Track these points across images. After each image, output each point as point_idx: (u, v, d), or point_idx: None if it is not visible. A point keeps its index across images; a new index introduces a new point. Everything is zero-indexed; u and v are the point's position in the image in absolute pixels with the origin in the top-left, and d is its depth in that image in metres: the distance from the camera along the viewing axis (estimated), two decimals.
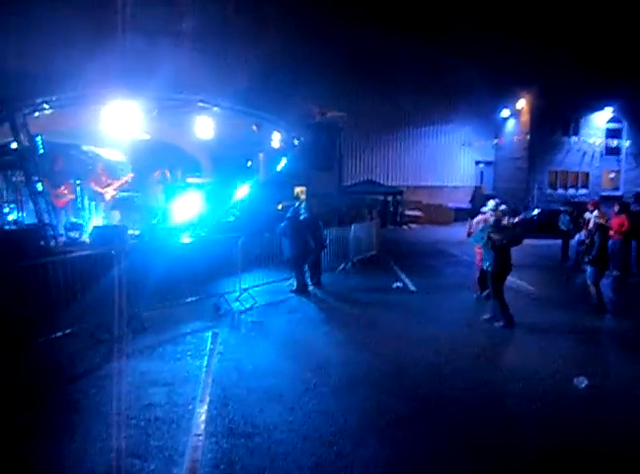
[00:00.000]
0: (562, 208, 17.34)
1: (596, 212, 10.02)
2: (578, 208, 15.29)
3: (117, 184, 15.15)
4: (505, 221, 8.90)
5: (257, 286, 10.92)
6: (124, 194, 15.40)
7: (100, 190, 14.75)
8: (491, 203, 9.05)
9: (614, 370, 6.98)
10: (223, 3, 20.37)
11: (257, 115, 14.84)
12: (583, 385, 6.20)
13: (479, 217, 10.43)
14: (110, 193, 14.95)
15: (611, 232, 12.60)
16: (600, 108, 32.52)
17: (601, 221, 9.77)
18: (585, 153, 33.17)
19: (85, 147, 15.16)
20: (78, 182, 14.67)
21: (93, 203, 14.80)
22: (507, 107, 34.07)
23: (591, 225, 9.75)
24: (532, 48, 28.81)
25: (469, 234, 9.52)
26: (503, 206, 9.37)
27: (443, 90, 32.14)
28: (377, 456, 4.69)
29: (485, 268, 8.85)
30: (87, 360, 6.90)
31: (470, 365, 6.92)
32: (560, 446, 4.92)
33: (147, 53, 13.01)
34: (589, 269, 9.73)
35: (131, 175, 15.62)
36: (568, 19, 28.95)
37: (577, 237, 10.01)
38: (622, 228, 12.95)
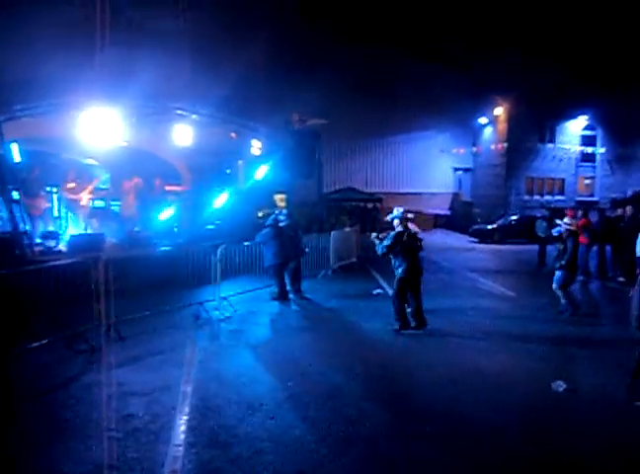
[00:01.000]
0: (539, 214, 17.62)
1: (566, 219, 10.17)
2: (555, 214, 15.55)
3: (89, 187, 14.98)
4: (411, 228, 9.09)
5: (237, 295, 10.86)
6: (101, 202, 15.26)
7: (74, 196, 14.58)
8: (396, 211, 9.16)
9: (589, 374, 7.05)
10: (202, 10, 20.33)
11: (236, 122, 14.84)
12: (561, 389, 6.26)
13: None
14: (84, 198, 14.78)
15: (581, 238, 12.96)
16: (576, 115, 33.09)
17: (572, 227, 9.91)
18: (561, 160, 33.67)
19: (65, 155, 14.98)
20: (54, 190, 14.50)
21: (69, 213, 14.63)
22: (484, 114, 34.46)
23: (562, 230, 9.90)
24: (510, 57, 29.19)
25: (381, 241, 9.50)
26: (409, 214, 9.54)
27: (422, 97, 32.33)
28: (360, 464, 4.68)
29: (397, 274, 8.94)
30: (65, 371, 6.79)
31: (452, 372, 6.94)
32: (539, 452, 4.95)
33: (125, 61, 12.91)
34: (557, 273, 9.87)
35: (100, 178, 15.47)
36: (545, 28, 29.40)
37: (554, 231, 10.18)
38: (584, 230, 13.35)
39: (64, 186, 14.68)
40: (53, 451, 4.81)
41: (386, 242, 8.77)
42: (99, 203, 15.14)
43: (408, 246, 8.78)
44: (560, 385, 6.32)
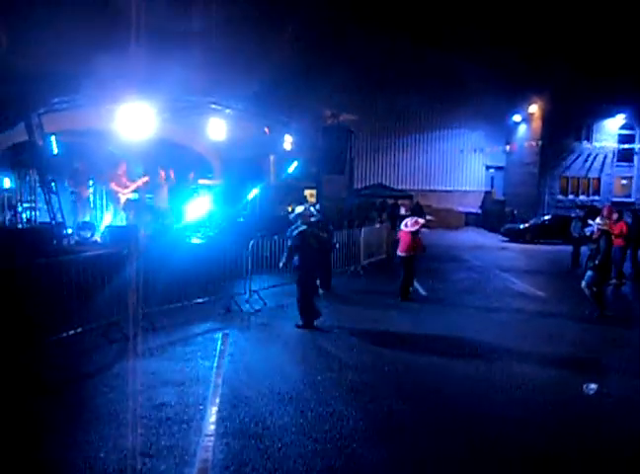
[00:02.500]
0: (573, 214, 17.31)
1: (598, 219, 9.94)
2: (590, 214, 15.25)
3: (134, 185, 15.22)
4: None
5: (267, 288, 10.94)
6: (135, 194, 15.50)
7: (120, 190, 14.81)
8: (299, 208, 9.16)
9: (619, 377, 6.91)
10: (237, 5, 20.44)
11: (269, 117, 14.91)
12: (592, 392, 6.16)
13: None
14: (126, 194, 15.03)
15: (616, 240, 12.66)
16: (613, 114, 32.31)
17: (605, 227, 9.69)
18: (596, 159, 32.96)
19: (111, 147, 15.25)
20: (91, 182, 14.78)
21: (111, 205, 14.89)
22: (518, 112, 33.97)
23: (594, 230, 9.70)
24: (545, 53, 28.72)
25: None
26: (312, 209, 9.75)
27: (455, 94, 32.05)
28: (388, 460, 4.69)
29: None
30: (99, 359, 6.95)
31: (481, 372, 6.89)
32: (567, 455, 4.90)
33: (161, 55, 13.06)
34: (589, 273, 9.70)
35: (147, 178, 15.66)
36: (581, 24, 28.83)
37: (587, 230, 9.97)
38: (622, 234, 13.02)
39: (111, 178, 14.93)
40: (87, 438, 4.92)
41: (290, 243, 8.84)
42: (133, 196, 15.37)
43: (308, 245, 8.73)
44: (592, 388, 6.21)
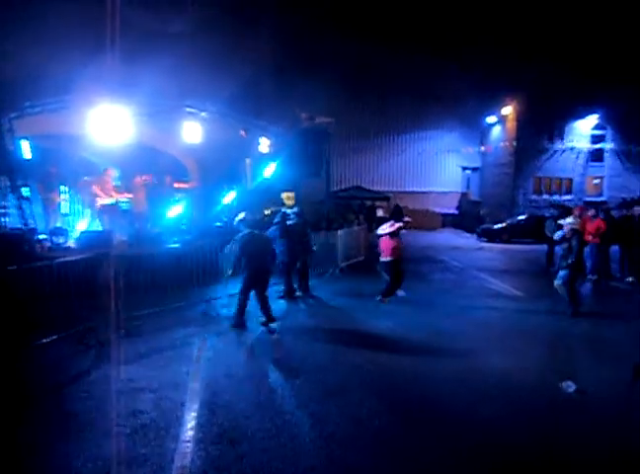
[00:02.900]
0: (547, 214, 17.54)
1: (569, 219, 10.09)
2: (565, 214, 15.47)
3: (117, 196, 14.95)
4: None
5: None
6: (111, 199, 15.31)
7: (103, 195, 14.56)
8: (241, 215, 9.39)
9: (597, 374, 7.01)
10: (212, 8, 20.38)
11: (244, 120, 14.87)
12: (571, 390, 6.23)
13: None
14: (106, 200, 14.78)
15: (589, 237, 12.85)
16: (585, 115, 32.84)
17: (576, 226, 9.84)
18: (569, 159, 33.47)
19: (76, 152, 15.04)
20: (64, 187, 14.58)
21: (87, 210, 14.67)
22: (493, 113, 34.34)
23: (565, 231, 9.83)
24: (518, 56, 29.08)
25: None
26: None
27: (430, 96, 32.34)
28: (368, 461, 4.69)
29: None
30: (75, 366, 6.84)
31: (460, 372, 6.94)
32: (551, 453, 4.95)
33: (135, 59, 12.96)
34: (561, 272, 9.83)
35: (131, 195, 15.41)
36: (553, 27, 29.27)
37: (556, 235, 10.08)
38: (599, 232, 13.26)
39: (77, 183, 14.71)
40: (63, 446, 4.84)
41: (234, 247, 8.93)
42: (108, 201, 15.17)
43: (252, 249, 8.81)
44: (570, 386, 6.28)
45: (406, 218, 11.67)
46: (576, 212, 12.37)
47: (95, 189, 14.57)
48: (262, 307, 8.97)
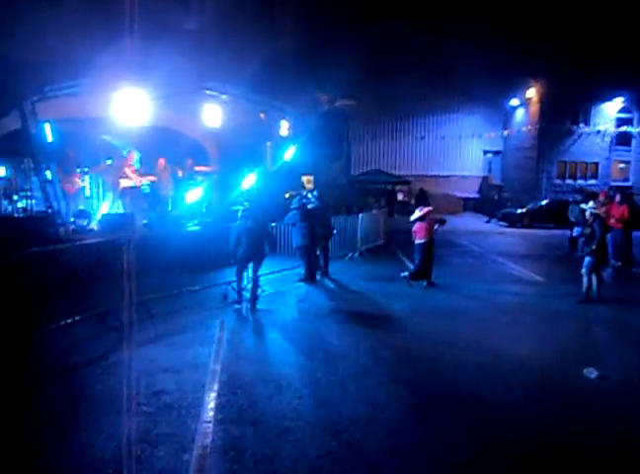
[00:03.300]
0: (571, 199, 17.28)
1: (591, 203, 9.89)
2: (588, 199, 15.22)
3: (139, 179, 15.04)
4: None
5: (264, 275, 10.92)
6: (132, 182, 15.41)
7: (124, 177, 14.63)
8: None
9: (619, 361, 6.93)
10: None
11: (265, 102, 14.82)
12: (593, 376, 6.17)
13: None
14: (127, 182, 14.85)
15: (613, 222, 12.61)
16: (611, 97, 32.13)
17: (598, 211, 9.66)
18: (594, 143, 32.84)
19: (97, 135, 15.11)
20: (85, 169, 14.69)
21: (108, 193, 14.78)
22: (516, 96, 33.76)
23: (587, 216, 9.67)
24: (543, 37, 28.49)
25: None
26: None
27: (452, 78, 31.84)
28: (385, 445, 4.70)
29: None
30: (97, 347, 6.94)
31: (475, 354, 6.89)
32: (570, 440, 4.91)
33: (155, 40, 12.95)
34: (587, 259, 9.68)
35: (154, 177, 15.48)
36: (580, 7, 28.57)
37: (575, 231, 9.84)
38: (623, 218, 12.99)
39: (99, 166, 14.80)
40: (85, 425, 4.93)
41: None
42: (130, 183, 15.26)
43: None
44: (592, 372, 6.22)
45: (441, 218, 11.73)
46: (601, 197, 12.16)
47: (117, 172, 14.64)
48: (253, 287, 9.25)
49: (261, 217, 9.87)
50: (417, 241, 11.04)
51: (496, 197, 30.63)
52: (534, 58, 29.35)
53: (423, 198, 20.89)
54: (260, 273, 10.18)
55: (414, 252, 11.16)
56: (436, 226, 11.19)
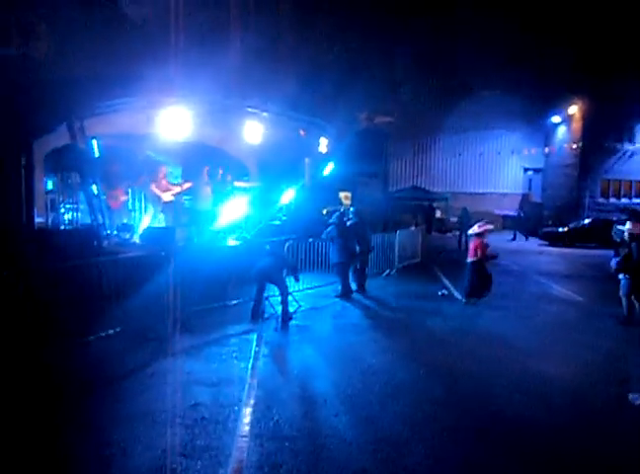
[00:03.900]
0: (614, 218, 16.88)
1: (628, 224, 9.69)
2: (632, 217, 14.83)
3: (175, 189, 15.33)
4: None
5: (301, 291, 10.98)
6: (172, 197, 15.68)
7: (159, 193, 14.96)
8: None
9: None
10: (272, 9, 20.61)
11: (305, 120, 14.96)
12: (639, 402, 5.99)
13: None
14: (167, 197, 15.15)
15: None
16: None
17: (635, 231, 9.43)
18: (639, 161, 32.00)
19: (148, 152, 15.45)
20: (130, 183, 15.04)
21: (150, 206, 15.08)
22: (558, 113, 33.24)
23: (625, 236, 9.47)
24: (585, 53, 28.09)
25: None
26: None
27: (493, 95, 31.58)
28: (422, 465, 4.66)
29: None
30: (135, 359, 7.08)
31: (515, 375, 6.77)
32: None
33: (198, 59, 13.26)
34: (623, 280, 9.44)
35: (190, 184, 15.75)
36: (623, 24, 28.08)
37: (612, 262, 9.61)
38: None
39: (152, 180, 15.07)
40: (123, 436, 5.02)
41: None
42: (171, 197, 15.54)
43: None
44: (637, 398, 6.04)
45: (494, 253, 11.42)
46: None
47: (152, 187, 14.96)
48: (282, 304, 9.36)
49: (279, 252, 10.13)
50: (468, 259, 10.94)
51: (548, 215, 30.06)
52: (577, 74, 28.92)
53: (467, 218, 20.57)
54: (294, 289, 10.27)
55: (466, 269, 11.06)
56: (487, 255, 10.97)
